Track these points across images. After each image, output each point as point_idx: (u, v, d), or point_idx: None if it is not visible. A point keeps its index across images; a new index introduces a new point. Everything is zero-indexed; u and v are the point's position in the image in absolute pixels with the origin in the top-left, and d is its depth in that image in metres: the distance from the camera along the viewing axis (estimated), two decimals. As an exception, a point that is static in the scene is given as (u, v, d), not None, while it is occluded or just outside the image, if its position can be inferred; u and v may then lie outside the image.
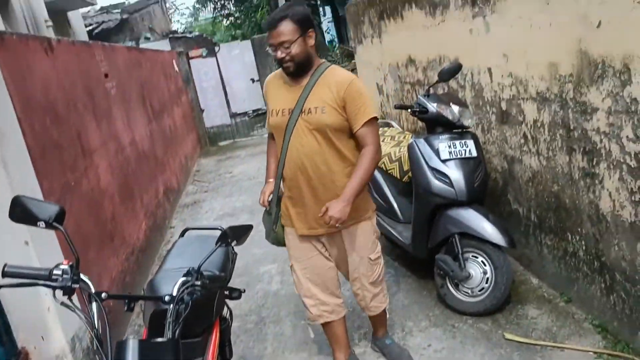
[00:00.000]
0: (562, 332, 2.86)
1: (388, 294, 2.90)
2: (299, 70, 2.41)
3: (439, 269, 3.22)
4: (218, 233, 2.08)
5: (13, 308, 2.74)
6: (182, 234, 2.87)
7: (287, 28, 2.30)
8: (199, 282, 1.73)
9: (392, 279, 3.79)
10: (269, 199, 2.69)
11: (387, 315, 2.96)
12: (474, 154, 3.21)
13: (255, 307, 3.77)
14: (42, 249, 2.68)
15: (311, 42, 2.40)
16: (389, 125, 4.50)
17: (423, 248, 3.39)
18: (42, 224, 1.63)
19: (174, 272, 2.16)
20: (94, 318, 1.57)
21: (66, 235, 1.62)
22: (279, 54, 2.35)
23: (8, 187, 2.59)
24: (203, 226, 3.25)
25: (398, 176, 3.76)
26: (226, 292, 2.31)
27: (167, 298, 1.69)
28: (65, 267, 1.60)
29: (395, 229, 3.70)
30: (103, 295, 1.60)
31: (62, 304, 1.59)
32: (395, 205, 3.79)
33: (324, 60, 2.54)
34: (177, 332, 1.67)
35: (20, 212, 1.66)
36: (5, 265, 1.57)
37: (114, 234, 4.05)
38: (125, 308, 1.74)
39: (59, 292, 1.61)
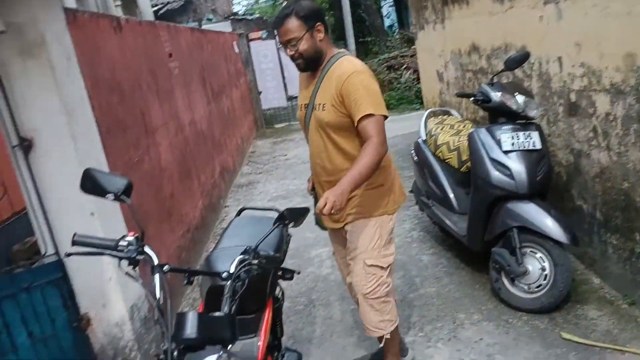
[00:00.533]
0: (624, 336, 2.74)
1: (392, 324, 2.55)
2: (309, 66, 2.36)
3: (495, 263, 3.14)
4: (273, 214, 2.10)
5: (77, 276, 2.88)
6: (239, 214, 2.92)
7: (292, 25, 2.27)
8: (255, 261, 1.76)
9: (444, 271, 3.74)
10: (311, 188, 2.70)
11: (397, 347, 2.69)
12: (538, 146, 3.09)
13: (305, 290, 3.81)
14: (106, 221, 2.80)
15: (320, 35, 2.32)
16: (448, 113, 4.41)
17: (478, 240, 3.31)
18: (110, 196, 1.67)
19: (230, 250, 2.20)
20: (155, 289, 1.60)
21: (133, 208, 1.66)
22: (288, 52, 2.33)
23: (76, 161, 2.71)
24: (259, 207, 3.29)
25: (456, 166, 3.68)
26: (280, 273, 2.35)
27: (224, 275, 1.73)
28: (130, 238, 1.64)
29: (450, 219, 3.63)
30: (165, 267, 1.63)
31: (127, 274, 1.65)
32: (451, 195, 3.71)
33: (340, 50, 2.43)
34: (234, 308, 1.70)
35: (90, 183, 1.70)
36: (74, 235, 1.63)
37: (172, 211, 4.17)
38: (185, 281, 1.79)
39: (123, 263, 1.66)
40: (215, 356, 1.45)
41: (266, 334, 2.22)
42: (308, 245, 4.51)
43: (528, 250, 3.05)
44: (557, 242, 2.93)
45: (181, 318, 1.54)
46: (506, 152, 3.10)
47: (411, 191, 4.53)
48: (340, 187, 2.10)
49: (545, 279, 2.97)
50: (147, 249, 1.66)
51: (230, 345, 1.56)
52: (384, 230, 2.43)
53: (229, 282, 1.70)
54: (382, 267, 2.43)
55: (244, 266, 1.74)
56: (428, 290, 3.53)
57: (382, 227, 2.43)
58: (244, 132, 9.30)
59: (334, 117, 2.30)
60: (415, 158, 4.18)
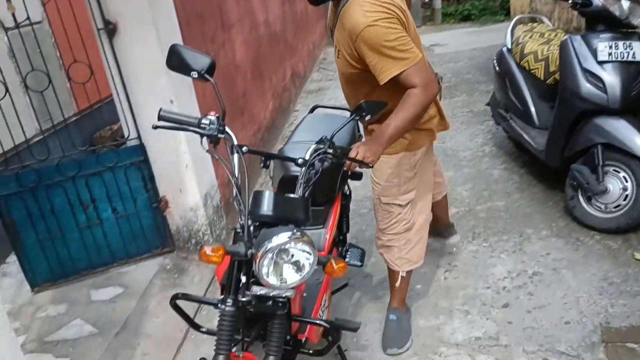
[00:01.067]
0: (703, 263, 2.62)
1: (410, 264, 2.39)
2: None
3: (573, 180, 3.02)
4: (345, 114, 2.04)
5: (157, 160, 3.03)
6: (311, 111, 2.92)
7: None
8: (330, 150, 1.76)
9: (515, 187, 3.64)
10: None
11: (406, 292, 2.51)
12: (639, 58, 2.84)
13: (370, 195, 3.83)
14: (184, 109, 2.87)
15: None
16: (538, 21, 4.09)
17: (557, 156, 3.17)
18: (194, 74, 1.65)
19: (303, 144, 2.20)
20: (234, 168, 1.63)
21: (216, 87, 1.66)
22: None
23: (158, 48, 2.76)
24: (332, 105, 3.26)
25: (542, 77, 3.46)
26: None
27: (300, 161, 1.74)
28: (212, 117, 1.64)
29: (529, 134, 3.48)
30: (244, 148, 1.66)
31: (207, 151, 1.68)
32: (532, 108, 3.53)
33: None
34: (307, 193, 1.74)
35: (176, 60, 1.68)
36: (160, 110, 1.68)
37: (244, 109, 4.23)
38: (261, 165, 1.83)
39: (205, 142, 1.68)
40: (289, 233, 1.50)
41: (333, 226, 2.29)
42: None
43: (611, 169, 2.90)
44: (644, 162, 2.76)
45: (258, 196, 1.59)
46: (601, 63, 2.87)
47: (488, 104, 4.35)
48: (375, 142, 1.86)
49: (625, 200, 2.84)
50: (227, 129, 1.67)
51: (302, 228, 1.60)
52: (402, 169, 2.20)
53: (303, 169, 1.72)
54: (399, 205, 2.26)
55: (318, 154, 1.73)
56: (496, 203, 3.47)
57: (401, 165, 2.19)
58: (316, 39, 9.10)
59: (347, 68, 2.04)
60: (497, 68, 3.96)
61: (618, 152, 2.83)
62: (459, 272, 2.83)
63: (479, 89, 5.89)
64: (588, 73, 2.88)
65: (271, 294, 1.54)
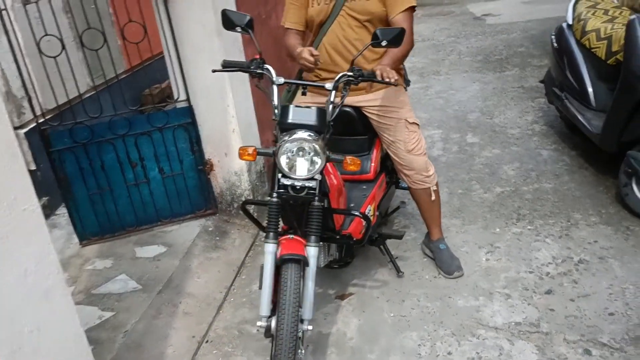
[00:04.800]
0: None
1: (436, 178, 2.65)
2: None
3: (628, 166, 2.91)
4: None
5: (204, 123, 3.05)
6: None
7: None
8: (351, 73, 2.05)
9: (565, 168, 3.53)
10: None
11: (441, 218, 2.79)
12: None
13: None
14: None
15: None
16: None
17: (614, 141, 3.05)
18: (238, 28, 2.12)
19: None
20: (273, 96, 2.03)
21: (254, 37, 2.10)
22: None
23: (212, 9, 2.74)
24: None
25: (603, 57, 3.30)
26: None
27: (328, 85, 2.06)
28: (256, 58, 2.09)
29: (584, 115, 3.35)
30: (281, 79, 2.05)
31: (257, 86, 2.13)
32: (590, 89, 3.38)
33: None
34: (333, 111, 2.03)
35: (226, 20, 2.11)
36: (224, 60, 2.14)
37: (291, 72, 4.18)
38: (301, 93, 2.27)
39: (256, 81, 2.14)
40: (305, 134, 1.90)
41: (378, 153, 2.65)
42: (420, 125, 4.38)
43: (670, 158, 2.78)
44: None
45: (284, 109, 1.99)
46: (670, 46, 2.72)
47: (542, 81, 4.20)
48: (386, 66, 2.17)
49: (683, 191, 2.73)
50: (267, 66, 2.08)
51: (321, 135, 1.95)
52: (407, 97, 2.62)
53: (333, 92, 2.04)
54: (419, 125, 2.58)
55: (342, 76, 2.05)
56: (544, 185, 3.38)
57: (406, 94, 2.63)
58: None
59: (378, 8, 2.34)
60: (555, 44, 3.79)
61: (680, 141, 2.71)
62: (501, 254, 2.79)
63: (531, 63, 5.67)
64: (655, 56, 2.73)
65: (297, 185, 1.92)
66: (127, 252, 3.00)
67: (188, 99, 2.98)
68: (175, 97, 3.00)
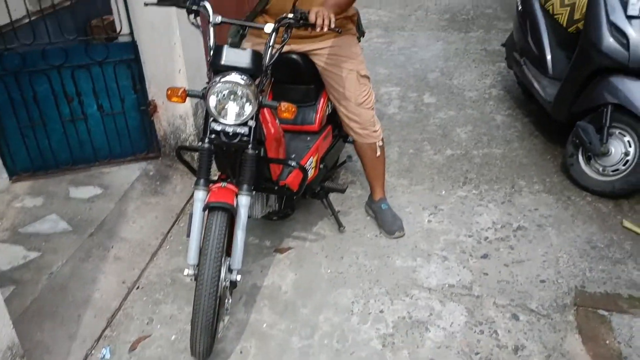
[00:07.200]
0: (689, 239, 2.59)
1: (381, 134, 2.61)
2: None
3: (575, 137, 2.92)
4: None
5: (148, 61, 2.88)
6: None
7: None
8: (291, 15, 1.93)
9: (516, 135, 3.54)
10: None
11: (385, 177, 2.76)
12: (672, 18, 2.65)
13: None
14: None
15: None
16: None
17: (565, 110, 3.05)
18: None
19: None
20: (210, 36, 1.93)
21: None
22: None
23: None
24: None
25: (564, 24, 3.26)
26: None
27: (267, 27, 1.94)
28: None
29: (540, 83, 3.33)
30: (218, 18, 1.93)
31: (192, 23, 2.06)
32: (548, 56, 3.35)
33: None
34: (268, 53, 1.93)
35: None
36: None
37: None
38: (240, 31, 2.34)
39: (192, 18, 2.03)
40: (239, 77, 1.80)
41: (324, 104, 2.56)
42: (378, 81, 4.32)
43: (617, 131, 2.79)
44: (653, 130, 2.65)
45: (218, 49, 1.87)
46: (630, 18, 2.68)
47: (503, 44, 4.15)
48: (324, 9, 1.98)
49: (625, 165, 2.76)
50: (204, 3, 1.96)
51: (254, 79, 1.87)
52: (359, 47, 2.52)
53: (273, 35, 1.93)
54: (369, 78, 2.51)
55: (283, 19, 1.94)
56: (494, 150, 3.38)
57: (358, 45, 2.52)
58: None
59: None
60: (520, 7, 3.72)
61: (628, 115, 2.71)
62: (443, 216, 2.79)
63: (497, 26, 5.61)
64: (613, 27, 2.70)
65: (229, 131, 1.84)
66: (60, 192, 2.85)
67: (132, 34, 2.79)
68: (118, 30, 2.81)
